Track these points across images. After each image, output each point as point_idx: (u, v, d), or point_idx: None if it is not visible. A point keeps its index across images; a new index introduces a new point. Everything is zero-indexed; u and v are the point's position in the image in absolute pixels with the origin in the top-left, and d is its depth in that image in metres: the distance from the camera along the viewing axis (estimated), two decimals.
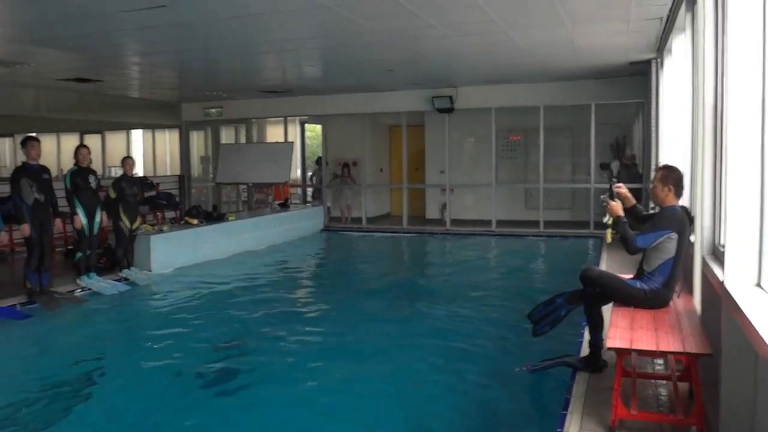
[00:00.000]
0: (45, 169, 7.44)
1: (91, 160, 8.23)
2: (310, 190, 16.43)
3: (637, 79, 11.26)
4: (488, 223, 13.19)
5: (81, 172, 8.02)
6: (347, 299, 7.81)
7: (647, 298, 4.18)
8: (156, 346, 6.00)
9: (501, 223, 13.19)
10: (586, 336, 4.73)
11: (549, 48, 8.74)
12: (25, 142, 7.32)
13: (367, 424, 4.22)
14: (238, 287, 8.45)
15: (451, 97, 12.97)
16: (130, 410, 4.49)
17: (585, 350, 4.71)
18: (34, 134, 7.92)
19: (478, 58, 9.52)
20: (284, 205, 13.75)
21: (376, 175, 15.32)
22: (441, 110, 13.17)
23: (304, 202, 16.07)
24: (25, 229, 7.11)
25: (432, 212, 14.80)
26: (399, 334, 6.15)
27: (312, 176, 16.12)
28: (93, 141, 18.09)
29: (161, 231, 9.46)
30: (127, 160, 9.03)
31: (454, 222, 13.65)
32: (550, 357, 4.87)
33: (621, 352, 3.56)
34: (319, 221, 14.06)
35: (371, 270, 10.34)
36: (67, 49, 8.31)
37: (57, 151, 18.68)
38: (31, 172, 7.21)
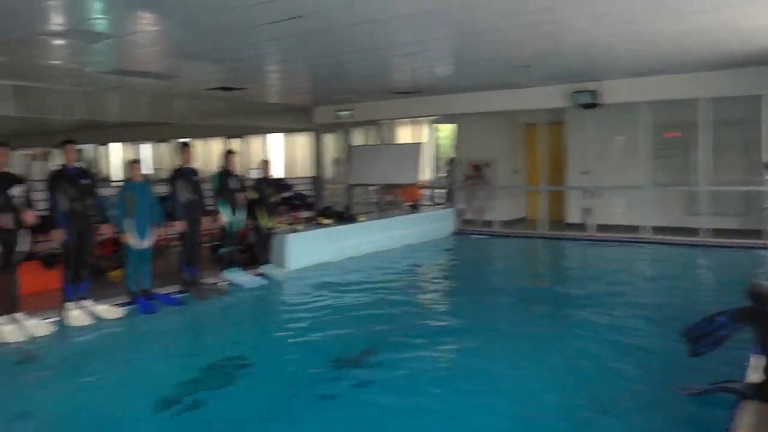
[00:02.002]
0: (196, 172, 8.95)
1: (236, 163, 9.70)
2: (441, 192, 17.02)
3: None
4: (639, 229, 13.00)
5: (226, 173, 9.50)
6: (477, 305, 8.22)
7: None
8: (290, 339, 6.92)
9: (655, 229, 12.92)
10: (753, 360, 4.56)
11: (706, 34, 8.56)
12: (179, 148, 8.92)
13: None
14: (368, 286, 9.35)
15: (594, 92, 12.80)
16: (264, 399, 5.22)
17: (751, 375, 4.55)
18: (186, 140, 9.39)
19: (624, 50, 9.57)
20: (414, 207, 14.64)
21: (510, 177, 15.59)
22: (583, 106, 13.04)
23: (435, 204, 16.75)
24: (179, 225, 8.64)
25: (573, 216, 14.70)
26: (536, 348, 6.32)
27: (444, 177, 16.79)
28: (235, 145, 20.28)
29: (296, 230, 10.73)
30: (266, 163, 10.47)
31: (600, 228, 13.59)
32: (712, 381, 4.65)
33: None
34: (450, 224, 14.71)
35: (505, 276, 10.74)
36: (214, 61, 9.75)
37: (205, 155, 21.08)
38: (185, 174, 8.76)
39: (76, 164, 7.68)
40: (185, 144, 9.06)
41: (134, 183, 8.12)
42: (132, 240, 7.97)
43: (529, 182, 15.82)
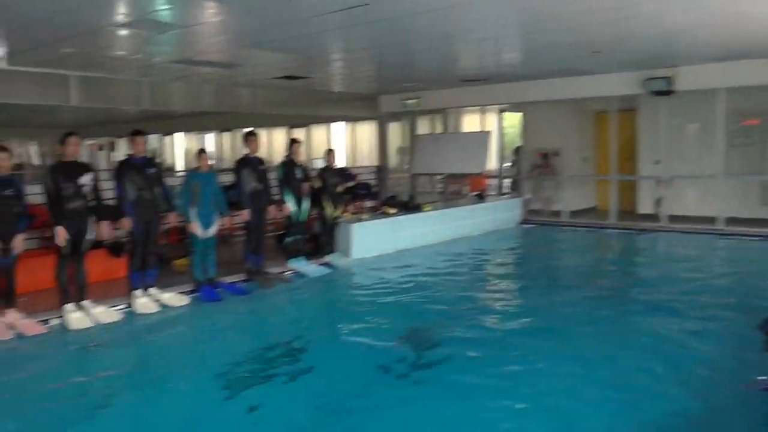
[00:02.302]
0: (262, 161, 8.96)
1: (301, 152, 9.69)
2: (507, 181, 16.86)
3: None
4: (714, 220, 12.61)
5: (291, 163, 9.48)
6: (545, 297, 8.09)
7: None
8: (353, 326, 7.05)
9: (731, 221, 12.53)
10: None
11: None
12: (246, 137, 8.92)
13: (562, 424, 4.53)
14: (433, 276, 9.32)
15: (668, 78, 12.41)
16: (331, 383, 5.37)
17: None
18: (253, 129, 9.40)
19: (702, 34, 9.27)
20: (480, 197, 14.47)
21: (579, 166, 15.33)
22: (656, 93, 12.72)
23: (501, 193, 16.55)
24: (245, 214, 8.66)
25: (644, 207, 14.36)
26: (601, 340, 6.27)
27: (510, 167, 16.59)
28: (299, 134, 20.42)
29: (361, 219, 10.72)
30: (330, 152, 10.42)
31: (672, 218, 13.23)
32: None
33: None
34: (516, 213, 14.53)
35: (573, 267, 10.54)
36: (279, 51, 9.72)
37: (268, 144, 21.27)
38: (251, 163, 8.77)
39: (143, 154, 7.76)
40: (252, 133, 9.04)
41: (200, 172, 8.16)
42: (196, 229, 8.03)
43: (598, 171, 15.57)
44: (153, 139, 26.13)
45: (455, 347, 6.12)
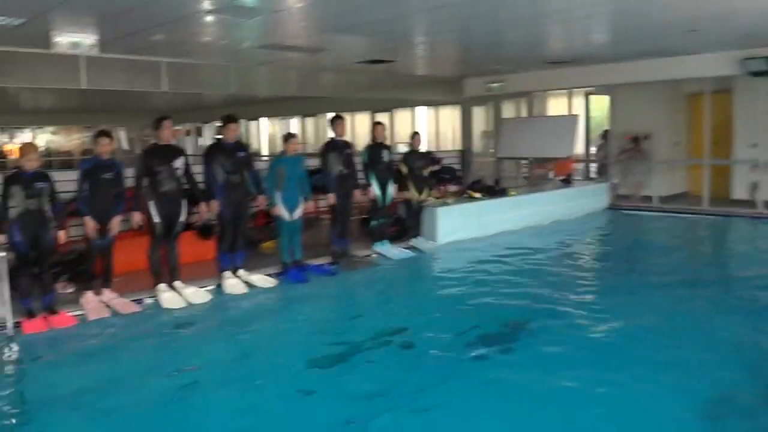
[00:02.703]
0: (349, 145, 8.98)
1: (385, 136, 9.65)
2: (594, 166, 16.58)
3: None
4: None
5: (376, 147, 9.48)
6: (631, 285, 7.93)
7: None
8: (440, 309, 7.05)
9: None
10: None
11: None
12: (333, 121, 8.96)
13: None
14: (519, 261, 9.23)
15: None
16: (421, 362, 5.47)
17: None
18: (339, 113, 9.41)
19: None
20: (567, 181, 14.21)
21: (670, 150, 14.83)
22: (756, 74, 12.16)
23: (587, 178, 16.28)
24: (331, 198, 8.72)
25: (739, 192, 13.77)
26: (690, 334, 6.03)
27: (597, 151, 16.24)
28: (382, 119, 20.40)
29: (446, 203, 10.67)
30: (416, 136, 10.36)
31: None
32: None
33: None
34: (603, 199, 14.25)
35: (663, 256, 10.13)
36: (363, 35, 9.69)
37: (351, 129, 21.38)
38: (337, 147, 8.80)
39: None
40: (338, 116, 9.07)
41: (287, 157, 8.24)
42: (282, 212, 8.12)
43: (690, 155, 15.01)
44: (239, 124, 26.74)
45: (543, 330, 6.12)
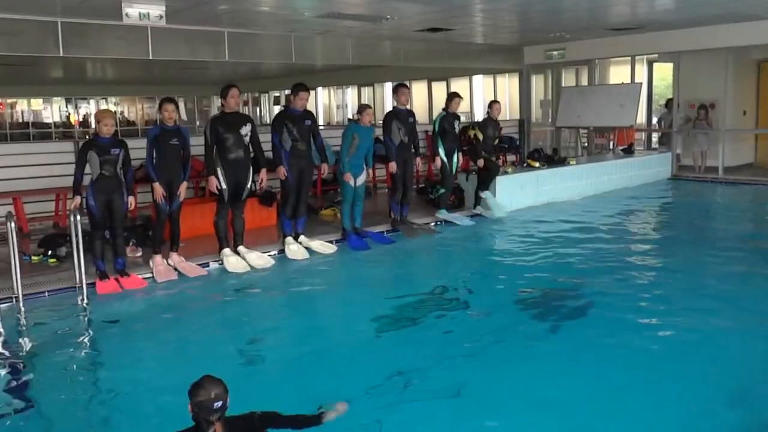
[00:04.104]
0: (412, 113, 8.99)
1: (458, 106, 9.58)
2: (655, 136, 16.26)
3: None
4: None
5: (449, 117, 9.49)
6: (694, 257, 7.79)
7: None
8: (501, 275, 7.15)
9: None
10: None
11: None
12: (397, 89, 8.98)
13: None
14: (579, 230, 9.20)
15: None
16: (482, 324, 5.60)
17: None
18: (403, 82, 9.38)
19: None
20: (628, 151, 13.92)
21: (737, 119, 14.42)
22: None
23: (649, 147, 15.97)
24: (392, 166, 8.79)
25: None
26: (748, 309, 5.84)
27: (660, 120, 15.83)
28: (438, 87, 20.35)
29: (506, 173, 10.63)
30: (495, 105, 10.23)
31: None
32: None
33: None
34: (666, 169, 13.99)
35: (728, 227, 9.95)
36: (424, 2, 9.65)
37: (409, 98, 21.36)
38: (399, 116, 8.84)
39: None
40: (402, 85, 9.06)
41: (362, 126, 8.27)
42: (350, 179, 8.22)
43: (759, 125, 14.63)
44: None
45: (602, 300, 6.07)
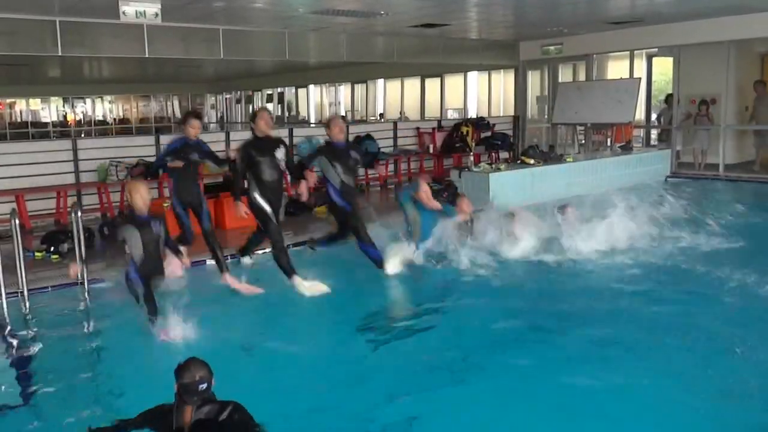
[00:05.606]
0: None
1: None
2: (654, 132, 16.27)
3: None
4: None
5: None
6: (699, 253, 8.02)
7: None
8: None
9: None
10: None
11: None
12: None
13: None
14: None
15: None
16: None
17: None
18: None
19: None
20: (626, 148, 13.87)
21: (739, 115, 14.43)
22: None
23: (648, 144, 15.97)
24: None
25: None
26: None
27: (659, 116, 15.84)
28: (432, 84, 20.62)
29: (499, 170, 10.68)
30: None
31: None
32: None
33: None
34: (665, 166, 13.90)
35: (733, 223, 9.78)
36: None
37: (401, 94, 21.67)
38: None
39: None
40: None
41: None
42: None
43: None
44: (288, 92, 27.35)
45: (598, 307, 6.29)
